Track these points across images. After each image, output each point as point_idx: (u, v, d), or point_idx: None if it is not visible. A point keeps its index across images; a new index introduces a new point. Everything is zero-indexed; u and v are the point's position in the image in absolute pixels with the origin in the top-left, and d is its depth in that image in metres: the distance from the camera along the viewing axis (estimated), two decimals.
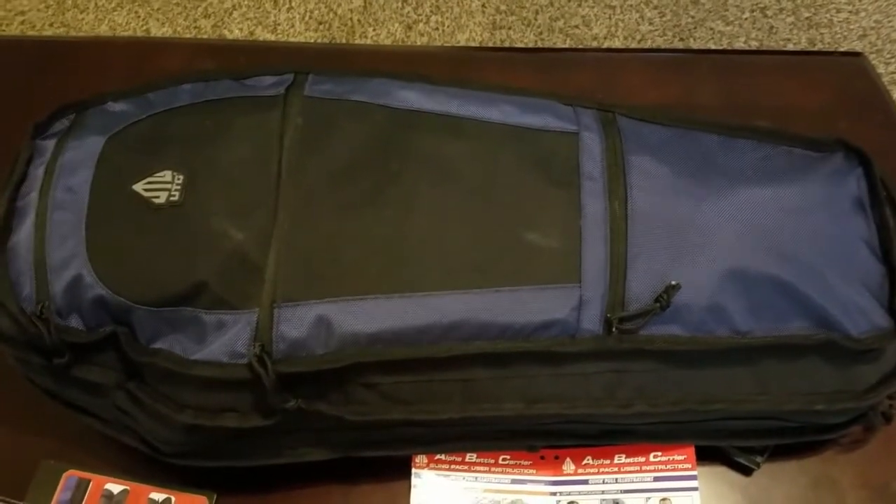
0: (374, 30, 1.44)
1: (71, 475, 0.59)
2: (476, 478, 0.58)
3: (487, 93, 0.59)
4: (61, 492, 0.58)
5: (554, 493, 0.58)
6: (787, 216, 0.54)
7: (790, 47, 1.41)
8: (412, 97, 0.57)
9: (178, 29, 1.45)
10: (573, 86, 0.76)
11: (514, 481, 0.58)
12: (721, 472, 0.59)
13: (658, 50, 1.32)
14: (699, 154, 0.57)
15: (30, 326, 0.51)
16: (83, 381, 0.53)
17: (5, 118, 0.73)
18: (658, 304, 0.51)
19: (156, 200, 0.52)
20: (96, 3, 1.48)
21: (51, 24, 1.46)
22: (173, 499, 0.58)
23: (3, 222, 0.52)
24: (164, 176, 0.53)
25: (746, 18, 1.44)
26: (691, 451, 0.58)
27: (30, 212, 0.53)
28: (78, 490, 0.58)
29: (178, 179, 0.53)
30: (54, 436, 0.60)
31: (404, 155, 0.55)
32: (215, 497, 0.58)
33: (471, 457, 0.59)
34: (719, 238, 0.53)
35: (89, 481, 0.58)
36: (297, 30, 1.45)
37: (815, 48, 1.41)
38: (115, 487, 0.58)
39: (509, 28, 1.44)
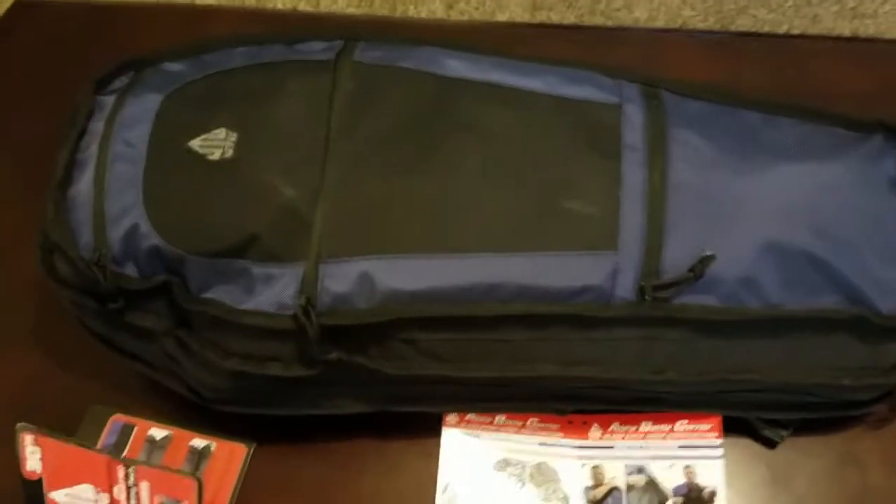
0: (414, 7, 1.45)
1: (117, 420, 0.61)
2: (504, 438, 0.60)
3: (532, 63, 0.60)
4: (107, 435, 0.60)
5: (580, 457, 0.59)
6: (824, 193, 0.54)
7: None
8: (459, 66, 0.58)
9: None
10: (616, 63, 0.76)
11: (541, 444, 0.59)
12: (746, 443, 0.59)
13: (704, 31, 1.31)
14: (741, 129, 0.57)
15: (87, 272, 0.53)
16: (134, 327, 0.55)
17: (55, 83, 0.75)
18: (692, 274, 0.52)
19: (210, 157, 0.54)
20: None
21: None
22: (214, 445, 0.60)
23: (64, 173, 0.55)
24: (218, 133, 0.55)
25: (790, 6, 1.42)
26: (718, 420, 0.59)
27: (90, 164, 0.55)
28: (123, 434, 0.60)
29: (232, 137, 0.55)
30: (103, 382, 0.62)
31: (449, 121, 0.56)
32: (254, 446, 0.60)
33: (500, 419, 0.60)
34: (756, 212, 0.53)
35: (134, 426, 0.60)
36: (339, 5, 1.47)
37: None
38: (159, 433, 0.60)
39: (550, 9, 1.44)
